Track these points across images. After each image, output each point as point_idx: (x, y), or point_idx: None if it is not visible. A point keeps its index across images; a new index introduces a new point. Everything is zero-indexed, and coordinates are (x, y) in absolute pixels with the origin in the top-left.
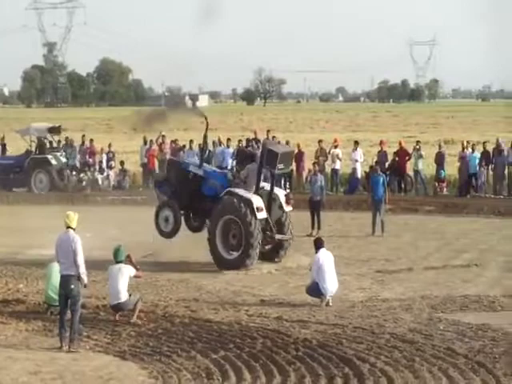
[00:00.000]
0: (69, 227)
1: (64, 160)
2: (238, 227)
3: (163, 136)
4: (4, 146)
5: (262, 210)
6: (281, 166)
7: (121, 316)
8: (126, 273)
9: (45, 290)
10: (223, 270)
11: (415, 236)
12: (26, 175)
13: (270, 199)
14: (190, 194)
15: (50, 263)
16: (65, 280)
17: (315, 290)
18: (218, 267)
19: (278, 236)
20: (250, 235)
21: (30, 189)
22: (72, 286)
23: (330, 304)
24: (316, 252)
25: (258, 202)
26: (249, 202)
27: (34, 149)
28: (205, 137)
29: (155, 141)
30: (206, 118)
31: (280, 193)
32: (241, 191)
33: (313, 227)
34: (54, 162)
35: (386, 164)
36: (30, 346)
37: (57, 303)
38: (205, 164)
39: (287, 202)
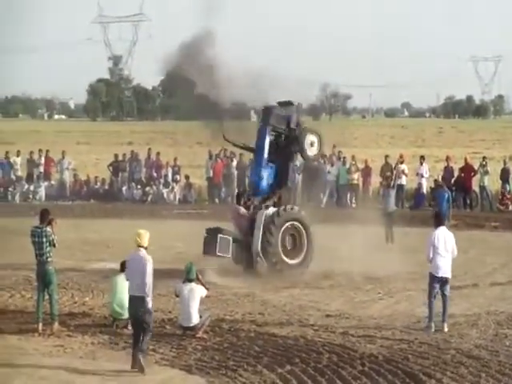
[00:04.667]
0: (140, 246)
1: None
2: None
3: (225, 150)
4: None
5: None
6: None
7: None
8: (197, 295)
9: (110, 304)
10: None
11: (481, 252)
12: None
13: None
14: None
15: (115, 276)
16: (132, 302)
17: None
18: None
19: None
20: None
21: None
22: (141, 309)
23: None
24: (435, 228)
25: None
26: None
27: None
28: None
29: (216, 155)
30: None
31: None
32: None
33: (387, 240)
34: None
35: (452, 180)
36: (96, 359)
37: (122, 316)
38: None
39: None
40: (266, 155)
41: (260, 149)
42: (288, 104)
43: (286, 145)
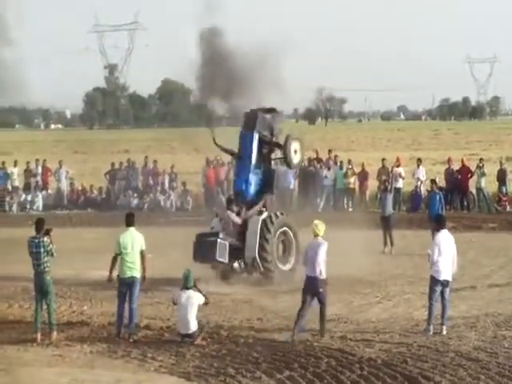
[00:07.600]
0: (317, 235)
1: None
2: None
3: (217, 157)
4: None
5: None
6: None
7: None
8: (195, 302)
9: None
10: None
11: (478, 253)
12: None
13: None
14: None
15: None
16: (307, 281)
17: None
18: None
19: None
20: None
21: None
22: (313, 287)
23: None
24: (436, 232)
25: None
26: None
27: None
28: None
29: (208, 162)
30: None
31: None
32: None
33: (385, 244)
34: None
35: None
36: (95, 368)
37: (126, 250)
38: None
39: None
40: (254, 161)
41: (248, 154)
42: (271, 111)
43: (270, 151)
